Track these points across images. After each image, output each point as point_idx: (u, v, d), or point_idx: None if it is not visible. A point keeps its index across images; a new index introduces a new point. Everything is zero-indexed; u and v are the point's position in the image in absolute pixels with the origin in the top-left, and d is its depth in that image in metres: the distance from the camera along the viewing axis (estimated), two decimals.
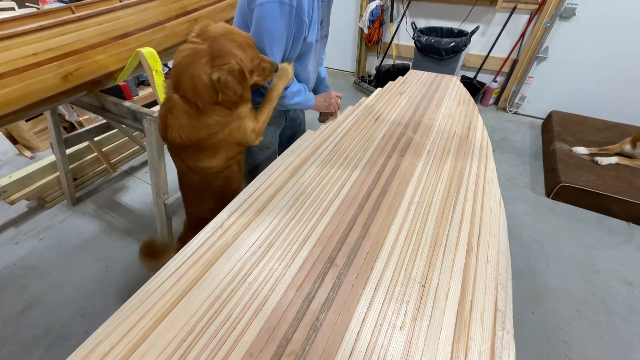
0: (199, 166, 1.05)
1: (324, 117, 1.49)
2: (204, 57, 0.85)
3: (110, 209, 2.18)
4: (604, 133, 2.67)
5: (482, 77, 3.46)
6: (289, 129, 1.57)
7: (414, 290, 0.72)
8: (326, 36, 1.28)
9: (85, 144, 2.27)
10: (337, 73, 4.42)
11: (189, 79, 0.87)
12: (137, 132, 2.30)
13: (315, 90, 1.48)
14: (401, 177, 1.08)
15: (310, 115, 1.69)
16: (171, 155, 1.07)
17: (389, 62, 3.87)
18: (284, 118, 1.42)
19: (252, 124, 1.06)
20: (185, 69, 0.86)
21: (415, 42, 3.11)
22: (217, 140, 0.99)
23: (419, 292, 0.72)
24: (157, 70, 1.22)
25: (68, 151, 2.10)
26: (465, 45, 2.94)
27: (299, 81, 1.24)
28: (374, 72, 4.01)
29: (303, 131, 1.62)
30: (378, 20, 3.68)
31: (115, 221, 2.07)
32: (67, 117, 2.52)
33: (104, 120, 2.04)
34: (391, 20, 3.66)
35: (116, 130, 2.36)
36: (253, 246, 0.81)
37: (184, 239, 1.22)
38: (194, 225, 1.18)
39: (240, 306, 0.67)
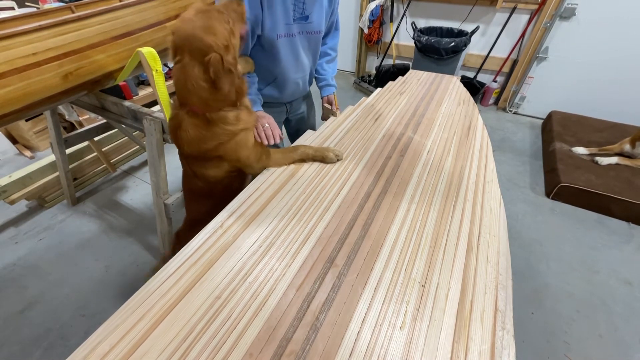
0: (204, 173, 1.05)
1: (326, 115, 1.49)
2: (194, 67, 0.83)
3: (110, 209, 2.18)
4: (604, 133, 2.67)
5: (482, 77, 3.46)
6: (293, 124, 1.56)
7: (414, 291, 0.72)
8: (318, 32, 1.22)
9: (85, 143, 2.26)
10: (337, 73, 4.41)
11: (191, 93, 0.86)
12: (137, 132, 2.30)
13: (320, 90, 1.48)
14: (401, 177, 1.08)
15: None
16: (180, 157, 1.08)
17: (389, 62, 3.87)
18: (285, 109, 1.42)
19: (259, 147, 1.05)
20: (184, 85, 0.86)
21: (415, 42, 3.11)
22: (224, 151, 0.99)
23: (419, 292, 0.72)
24: (157, 70, 1.22)
25: (68, 151, 2.10)
26: (465, 45, 2.94)
27: (273, 74, 1.25)
28: (374, 72, 4.01)
29: (308, 127, 1.60)
30: (378, 20, 3.69)
31: (115, 221, 2.07)
32: (67, 117, 2.52)
33: (104, 120, 2.04)
34: (391, 20, 3.66)
35: (116, 130, 2.36)
36: (253, 246, 0.81)
37: (181, 234, 1.25)
38: (191, 224, 1.20)
39: (240, 306, 0.67)
